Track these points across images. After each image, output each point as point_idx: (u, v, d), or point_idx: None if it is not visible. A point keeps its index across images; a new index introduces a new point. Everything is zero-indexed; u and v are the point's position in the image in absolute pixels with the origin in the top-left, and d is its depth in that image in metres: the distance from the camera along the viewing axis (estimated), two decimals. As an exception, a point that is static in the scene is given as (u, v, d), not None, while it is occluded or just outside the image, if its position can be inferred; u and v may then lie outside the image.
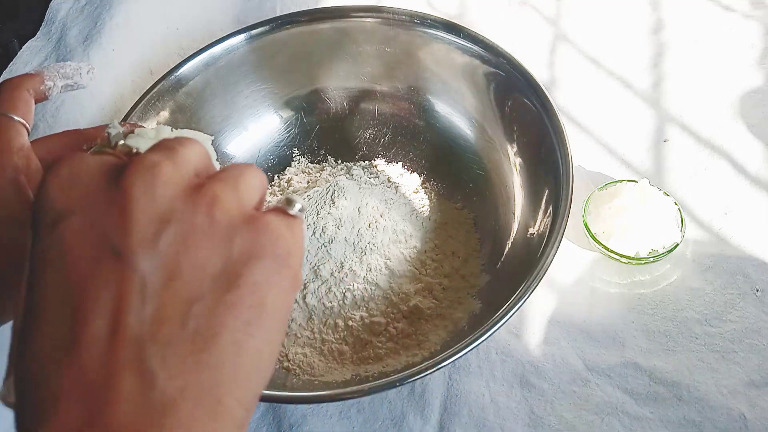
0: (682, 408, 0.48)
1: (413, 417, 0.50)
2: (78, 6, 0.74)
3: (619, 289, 0.55)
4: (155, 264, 0.22)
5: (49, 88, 0.40)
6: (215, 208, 0.23)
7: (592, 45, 0.70)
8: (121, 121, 0.53)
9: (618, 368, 0.50)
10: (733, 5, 0.71)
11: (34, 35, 0.73)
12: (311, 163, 0.65)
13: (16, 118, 0.36)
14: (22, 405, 0.21)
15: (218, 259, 0.22)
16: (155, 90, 0.58)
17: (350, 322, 0.52)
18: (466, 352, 0.42)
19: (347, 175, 0.62)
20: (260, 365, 0.23)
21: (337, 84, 0.65)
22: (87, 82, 0.42)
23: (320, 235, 0.54)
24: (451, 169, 0.61)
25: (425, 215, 0.59)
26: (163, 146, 0.24)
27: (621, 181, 0.57)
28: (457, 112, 0.62)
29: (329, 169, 0.64)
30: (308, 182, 0.63)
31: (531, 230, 0.52)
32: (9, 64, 0.71)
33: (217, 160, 0.30)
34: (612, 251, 0.54)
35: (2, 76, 0.69)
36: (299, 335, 0.52)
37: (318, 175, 0.63)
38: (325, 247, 0.54)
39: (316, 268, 0.54)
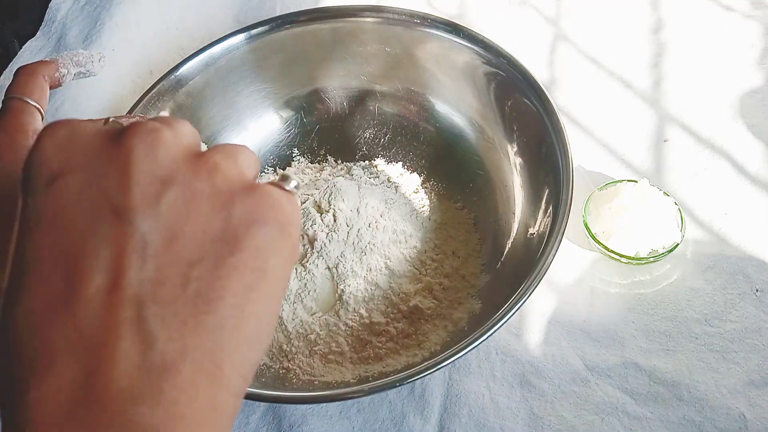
0: (682, 408, 0.48)
1: (413, 417, 0.50)
2: (78, 6, 0.74)
3: (619, 289, 0.55)
4: (156, 225, 0.21)
5: (63, 75, 0.41)
6: (216, 175, 0.23)
7: (592, 45, 0.70)
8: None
9: (618, 368, 0.50)
10: (733, 5, 0.71)
11: (34, 35, 0.73)
12: (311, 163, 0.65)
13: (31, 102, 0.37)
14: (4, 369, 0.21)
15: (219, 224, 0.22)
16: (155, 90, 0.58)
17: (350, 322, 0.52)
18: (466, 352, 0.42)
19: (347, 176, 0.62)
20: (259, 332, 0.23)
21: (337, 84, 0.65)
22: (98, 70, 0.43)
23: (320, 235, 0.54)
24: (451, 169, 0.61)
25: (425, 215, 0.59)
26: (159, 119, 0.24)
27: (621, 181, 0.57)
28: (457, 112, 0.62)
29: (329, 169, 0.64)
30: (308, 182, 0.63)
31: (531, 230, 0.52)
32: (9, 63, 0.71)
33: None
34: (612, 251, 0.54)
35: (2, 76, 0.69)
36: (300, 335, 0.52)
37: (318, 174, 0.63)
38: (325, 247, 0.54)
39: (315, 267, 0.54)
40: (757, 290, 0.53)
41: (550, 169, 0.51)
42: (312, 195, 0.57)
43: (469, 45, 0.58)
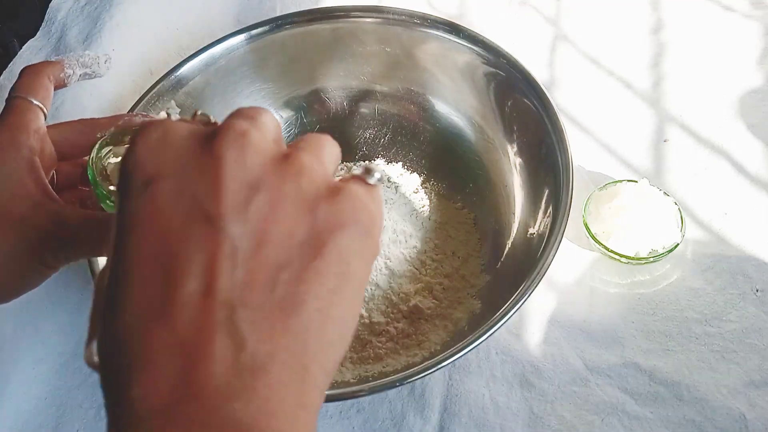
0: (682, 408, 0.48)
1: (413, 417, 0.50)
2: (78, 6, 0.74)
3: (619, 289, 0.55)
4: (245, 230, 0.22)
5: (69, 76, 0.41)
6: (302, 178, 0.23)
7: (592, 45, 0.70)
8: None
9: (618, 368, 0.50)
10: (733, 5, 0.71)
11: (34, 35, 0.73)
12: (311, 163, 0.65)
13: (35, 102, 0.38)
14: (109, 366, 0.22)
15: (304, 228, 0.23)
16: (155, 90, 0.58)
17: (350, 322, 0.52)
18: (466, 352, 0.42)
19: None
20: (343, 333, 0.23)
21: (337, 84, 0.65)
22: (104, 71, 0.44)
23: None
24: (450, 169, 0.61)
25: (425, 215, 0.59)
26: (246, 114, 0.24)
27: (621, 181, 0.57)
28: (457, 112, 0.62)
29: (329, 169, 0.64)
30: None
31: (531, 230, 0.52)
32: (9, 63, 0.71)
33: None
34: (612, 251, 0.54)
35: (2, 76, 0.69)
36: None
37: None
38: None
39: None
40: (757, 290, 0.53)
41: (550, 169, 0.51)
42: None
43: (469, 45, 0.58)
